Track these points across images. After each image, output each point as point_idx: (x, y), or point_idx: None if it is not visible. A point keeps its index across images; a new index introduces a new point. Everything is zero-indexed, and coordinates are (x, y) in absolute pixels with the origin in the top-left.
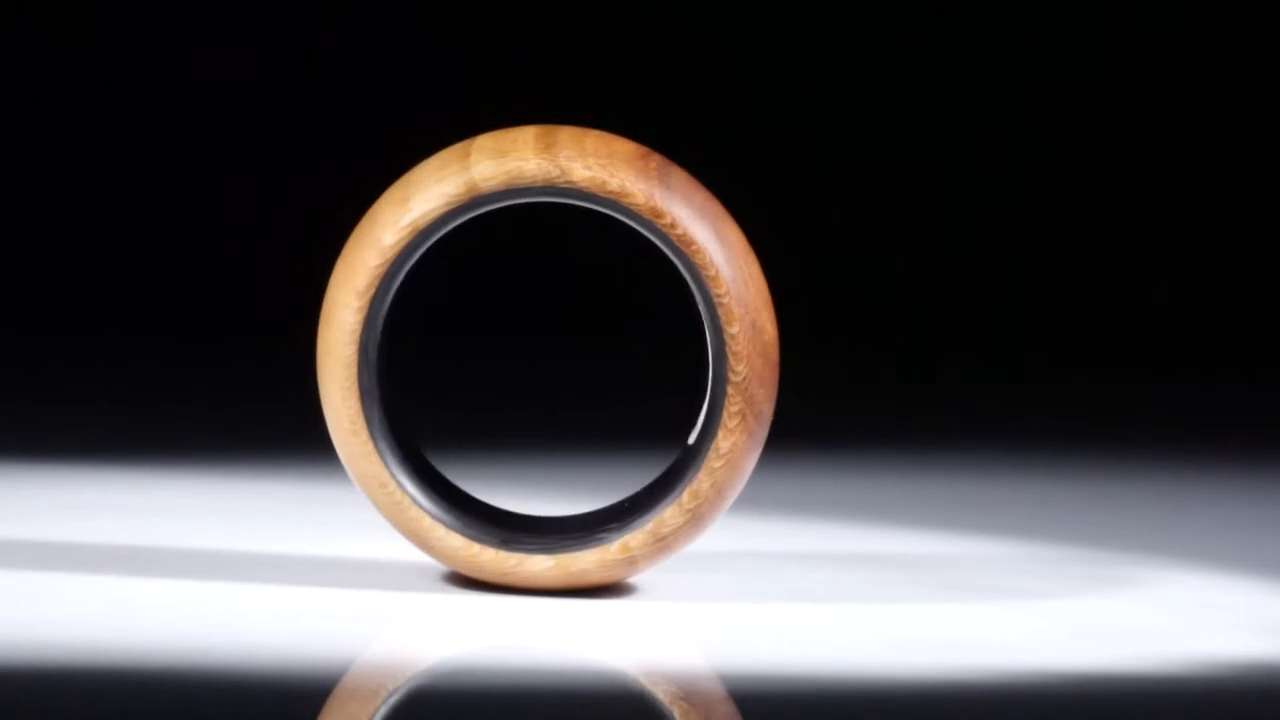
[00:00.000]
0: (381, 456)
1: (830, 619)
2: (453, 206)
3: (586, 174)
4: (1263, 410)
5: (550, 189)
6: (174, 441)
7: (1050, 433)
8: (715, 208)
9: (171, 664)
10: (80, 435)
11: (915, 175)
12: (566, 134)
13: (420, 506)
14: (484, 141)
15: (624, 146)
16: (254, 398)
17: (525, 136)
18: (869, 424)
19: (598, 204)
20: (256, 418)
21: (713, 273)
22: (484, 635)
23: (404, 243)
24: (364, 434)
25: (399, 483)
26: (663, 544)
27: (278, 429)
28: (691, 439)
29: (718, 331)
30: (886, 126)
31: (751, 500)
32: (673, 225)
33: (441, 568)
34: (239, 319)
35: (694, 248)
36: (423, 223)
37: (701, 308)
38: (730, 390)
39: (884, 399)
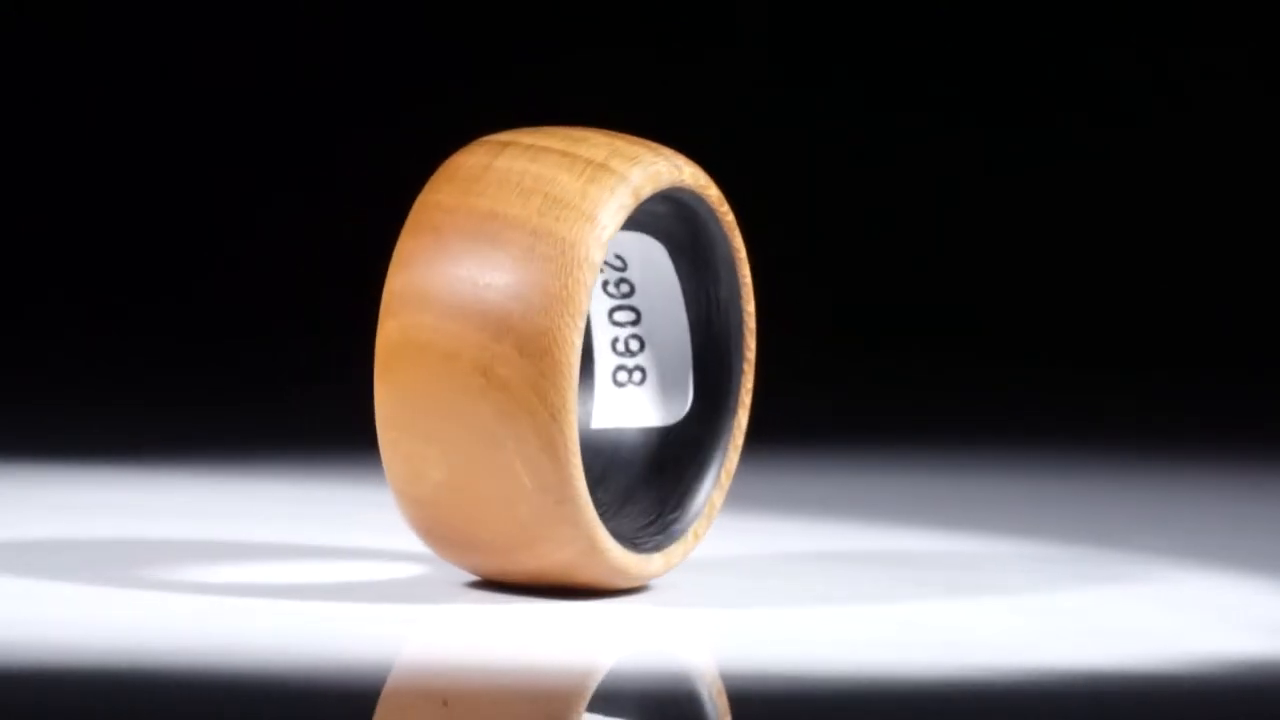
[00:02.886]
0: (583, 474)
1: (833, 619)
2: (627, 216)
3: (691, 170)
4: (1264, 410)
5: (673, 189)
6: (174, 441)
7: (1051, 433)
8: None
9: (171, 664)
10: (80, 435)
11: (915, 175)
12: (619, 135)
13: (600, 519)
14: (580, 149)
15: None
16: (254, 398)
17: (614, 140)
18: (869, 424)
19: (688, 197)
20: (257, 418)
21: (744, 255)
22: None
23: (602, 258)
24: (578, 455)
25: (592, 496)
26: (710, 522)
27: (278, 429)
28: (670, 420)
29: (736, 311)
30: (886, 125)
31: (754, 500)
32: (726, 212)
33: (457, 573)
34: (239, 319)
35: (735, 231)
36: (613, 236)
37: (709, 290)
38: (745, 367)
39: (885, 399)
